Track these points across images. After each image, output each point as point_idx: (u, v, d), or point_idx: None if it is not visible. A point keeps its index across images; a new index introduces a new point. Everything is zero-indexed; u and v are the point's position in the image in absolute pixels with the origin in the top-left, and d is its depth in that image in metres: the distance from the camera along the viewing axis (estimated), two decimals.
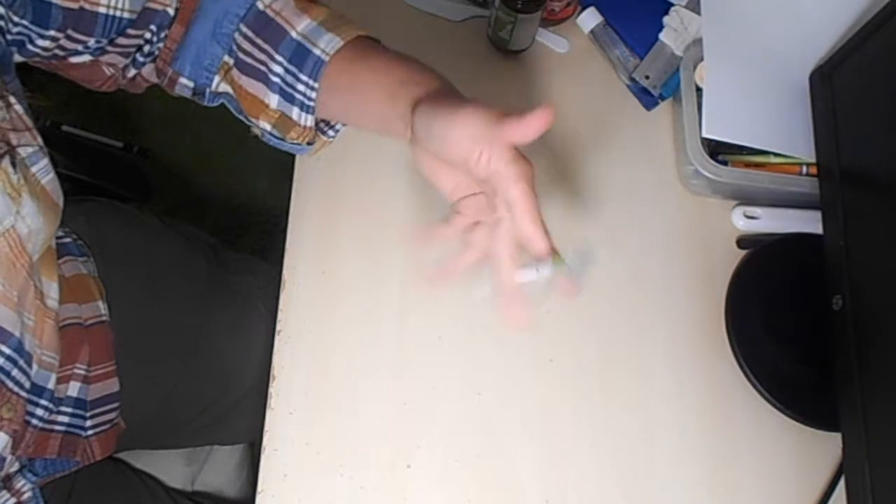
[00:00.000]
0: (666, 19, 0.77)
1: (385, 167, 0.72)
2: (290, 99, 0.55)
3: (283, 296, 0.66)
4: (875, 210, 0.61)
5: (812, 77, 0.73)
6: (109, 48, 0.56)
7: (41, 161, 0.51)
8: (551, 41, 0.80)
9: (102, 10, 0.52)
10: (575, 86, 0.78)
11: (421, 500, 0.61)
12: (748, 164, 0.73)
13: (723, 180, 0.70)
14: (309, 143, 0.59)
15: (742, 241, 0.73)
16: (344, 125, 0.60)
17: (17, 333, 0.50)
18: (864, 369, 0.58)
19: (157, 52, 0.58)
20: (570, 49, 0.80)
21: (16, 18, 0.49)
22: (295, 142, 0.58)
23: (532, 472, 0.63)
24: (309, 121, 0.56)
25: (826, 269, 0.64)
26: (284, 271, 0.67)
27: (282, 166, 0.73)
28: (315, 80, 0.54)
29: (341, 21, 0.56)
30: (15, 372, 0.51)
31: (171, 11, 0.56)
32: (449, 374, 0.65)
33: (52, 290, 0.57)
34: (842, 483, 0.64)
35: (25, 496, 0.60)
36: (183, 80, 0.58)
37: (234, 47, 0.56)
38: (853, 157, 0.64)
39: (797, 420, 0.66)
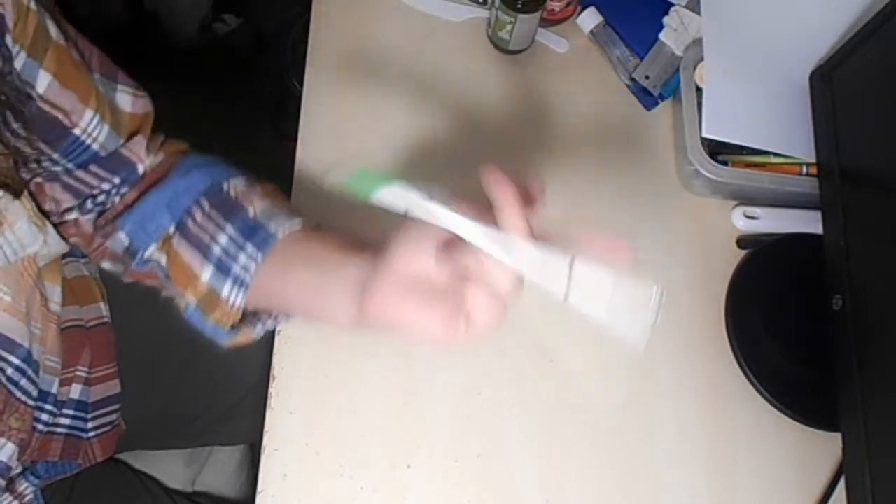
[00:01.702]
0: (666, 19, 0.77)
1: (384, 169, 0.72)
2: (225, 272, 0.53)
3: None
4: (875, 210, 0.61)
5: (812, 77, 0.73)
6: (64, 177, 0.53)
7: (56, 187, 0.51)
8: (551, 41, 0.80)
9: (77, 131, 0.50)
10: (575, 86, 0.78)
11: (421, 500, 0.61)
12: (748, 164, 0.73)
13: (723, 180, 0.70)
14: (232, 328, 0.56)
15: (742, 241, 0.73)
16: (272, 322, 0.58)
17: (25, 344, 0.50)
18: (864, 369, 0.58)
19: (108, 206, 0.56)
20: (570, 49, 0.80)
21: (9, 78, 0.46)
22: (217, 324, 0.56)
23: (532, 472, 0.63)
24: (238, 299, 0.54)
25: (826, 269, 0.64)
26: None
27: (281, 168, 0.73)
28: (261, 253, 0.53)
29: (296, 212, 0.56)
30: (24, 382, 0.51)
31: (140, 169, 0.55)
32: (449, 374, 0.65)
33: (55, 294, 0.57)
34: (842, 483, 0.64)
35: (27, 498, 0.60)
36: (120, 235, 0.56)
37: (186, 216, 0.55)
38: (853, 157, 0.64)
39: (797, 420, 0.66)
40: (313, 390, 0.63)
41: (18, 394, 0.51)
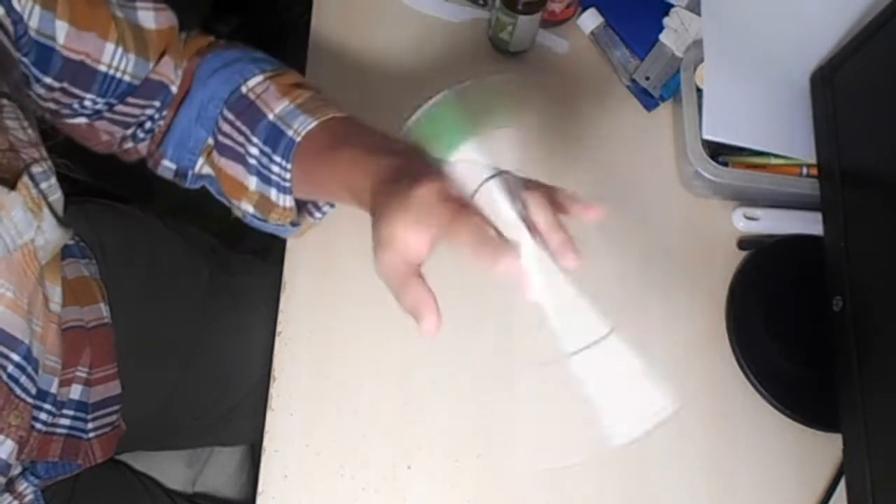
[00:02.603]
0: (666, 20, 0.77)
1: None
2: (266, 181, 0.55)
3: (283, 297, 0.66)
4: (875, 211, 0.61)
5: (813, 78, 0.73)
6: (108, 114, 0.56)
7: (49, 180, 0.51)
8: (552, 42, 0.80)
9: (103, 67, 0.52)
10: (575, 87, 0.78)
11: (421, 501, 0.61)
12: (748, 166, 0.73)
13: (723, 181, 0.70)
14: (293, 224, 0.59)
15: (743, 243, 0.73)
16: (331, 206, 0.60)
17: (26, 341, 0.50)
18: (864, 369, 0.58)
19: (156, 131, 0.58)
20: (571, 50, 0.80)
21: (17, 54, 0.48)
22: (278, 223, 0.58)
23: (532, 472, 0.63)
24: (288, 201, 0.55)
25: (826, 270, 0.65)
26: (285, 272, 0.67)
27: None
28: (287, 161, 0.53)
29: (320, 103, 0.55)
30: (23, 379, 0.51)
31: (173, 89, 0.56)
32: (449, 374, 0.65)
33: (55, 295, 0.57)
34: (842, 483, 0.64)
35: (27, 499, 0.60)
36: (165, 162, 0.58)
37: (216, 130, 0.56)
38: (854, 159, 0.65)
39: (797, 420, 0.66)
40: (314, 391, 0.63)
41: (18, 391, 0.51)
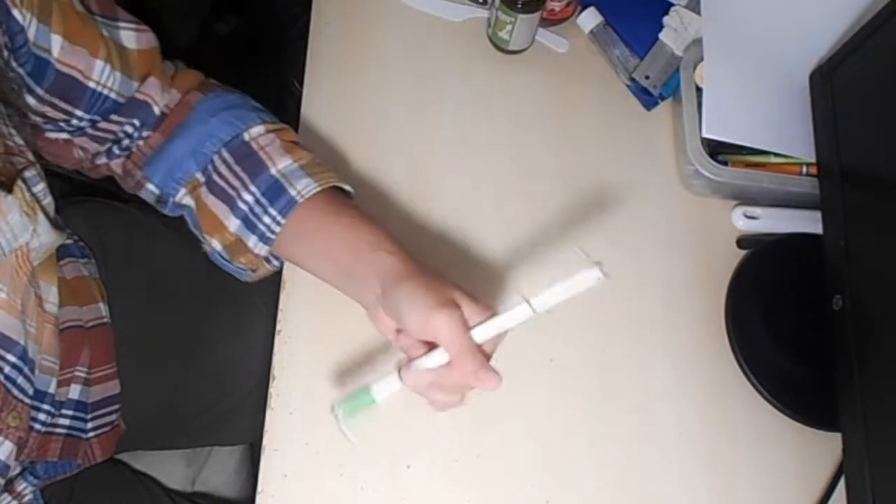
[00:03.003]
0: (666, 19, 0.77)
1: (384, 170, 0.72)
2: (251, 228, 0.58)
3: (283, 296, 0.66)
4: (875, 210, 0.61)
5: (812, 77, 0.73)
6: (90, 130, 0.57)
7: (40, 184, 0.51)
8: (551, 41, 0.80)
9: (92, 84, 0.53)
10: (575, 86, 0.78)
11: (421, 500, 0.61)
12: (748, 164, 0.73)
13: (723, 180, 0.70)
14: (253, 270, 0.62)
15: (742, 241, 0.73)
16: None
17: (21, 341, 0.50)
18: (864, 369, 0.58)
19: (133, 150, 0.60)
20: (570, 49, 0.80)
21: (14, 64, 0.49)
22: (241, 266, 0.61)
23: (532, 472, 0.63)
24: (263, 251, 0.59)
25: (826, 269, 0.64)
26: (284, 271, 0.67)
27: None
28: (283, 217, 0.56)
29: (321, 168, 0.58)
30: (20, 380, 0.51)
31: (156, 110, 0.58)
32: None
33: (50, 295, 0.57)
34: (842, 483, 0.64)
35: (27, 499, 0.60)
36: (150, 186, 0.60)
37: (210, 168, 0.58)
38: (853, 157, 0.64)
39: (797, 420, 0.66)
40: (313, 390, 0.63)
41: (15, 391, 0.51)
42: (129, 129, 0.58)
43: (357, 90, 0.75)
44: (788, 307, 0.69)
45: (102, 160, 0.60)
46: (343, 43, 0.77)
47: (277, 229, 0.57)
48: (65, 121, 0.55)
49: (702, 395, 0.67)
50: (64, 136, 0.57)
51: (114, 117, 0.57)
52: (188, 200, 0.60)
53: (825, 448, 0.66)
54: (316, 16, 0.78)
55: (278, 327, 0.65)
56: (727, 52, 0.73)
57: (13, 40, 0.47)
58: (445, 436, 0.63)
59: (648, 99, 0.77)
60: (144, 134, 0.59)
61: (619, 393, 0.66)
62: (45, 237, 0.51)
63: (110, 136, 0.58)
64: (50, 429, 0.62)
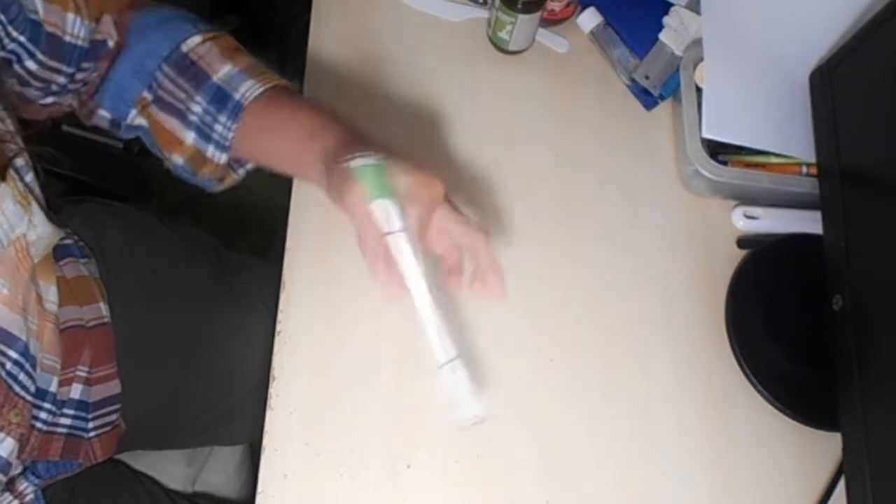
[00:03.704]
0: (666, 19, 0.77)
1: None
2: (206, 138, 0.58)
3: (283, 296, 0.66)
4: (875, 210, 0.61)
5: (812, 77, 0.73)
6: (70, 85, 0.58)
7: (29, 174, 0.51)
8: (551, 41, 0.80)
9: (69, 38, 0.54)
10: (575, 86, 0.78)
11: (421, 501, 0.61)
12: (748, 165, 0.73)
13: (723, 180, 0.70)
14: (220, 180, 0.63)
15: (742, 242, 0.73)
16: (252, 165, 0.64)
17: (23, 337, 0.50)
18: (864, 369, 0.58)
19: (88, 83, 0.60)
20: (570, 49, 0.80)
21: (14, 34, 0.50)
22: (206, 178, 0.62)
23: (532, 472, 0.63)
24: (223, 159, 0.60)
25: (826, 269, 0.64)
26: (284, 271, 0.67)
27: None
28: (234, 122, 0.57)
29: (262, 70, 0.59)
30: (22, 376, 0.51)
31: (110, 43, 0.58)
32: None
33: (50, 294, 0.57)
34: (842, 483, 0.64)
35: (28, 498, 0.60)
36: (101, 112, 0.61)
37: (155, 85, 0.58)
38: (853, 157, 0.64)
39: (797, 420, 0.66)
40: (313, 390, 0.63)
41: (17, 388, 0.51)
42: (91, 67, 0.59)
43: (357, 90, 0.75)
44: (788, 307, 0.69)
45: (53, 99, 0.60)
46: (343, 43, 0.77)
47: (230, 135, 0.58)
48: (56, 84, 0.56)
49: (702, 395, 0.67)
50: (51, 98, 0.58)
51: (84, 64, 0.57)
52: (140, 120, 0.60)
53: (825, 448, 0.66)
54: (316, 16, 0.78)
55: (278, 327, 0.65)
56: (727, 52, 0.73)
57: (6, 12, 0.48)
58: (445, 436, 0.63)
59: (648, 99, 0.77)
60: (100, 65, 0.59)
61: (619, 393, 0.66)
62: (41, 229, 0.51)
63: (80, 84, 0.59)
64: (51, 428, 0.62)
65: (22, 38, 0.51)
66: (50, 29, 0.52)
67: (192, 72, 0.58)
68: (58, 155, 0.57)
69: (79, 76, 0.58)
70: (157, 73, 0.58)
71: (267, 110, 0.58)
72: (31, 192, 0.51)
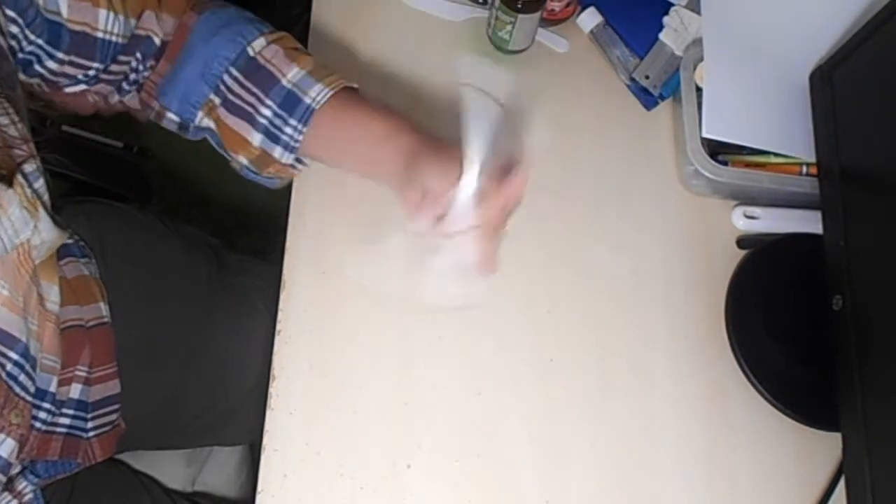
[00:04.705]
0: (666, 19, 0.77)
1: None
2: (274, 139, 0.60)
3: (283, 296, 0.66)
4: (875, 210, 0.61)
5: (812, 77, 0.73)
6: (103, 76, 0.59)
7: (40, 180, 0.51)
8: (551, 41, 0.80)
9: (100, 34, 0.55)
10: (575, 86, 0.78)
11: (421, 501, 0.61)
12: (748, 164, 0.73)
13: (723, 180, 0.70)
14: (280, 178, 0.65)
15: (742, 241, 0.73)
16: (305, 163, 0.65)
17: (23, 339, 0.50)
18: (864, 369, 0.58)
19: (141, 82, 0.61)
20: (570, 49, 0.80)
21: (32, 37, 0.51)
22: (269, 175, 0.64)
23: (532, 472, 0.63)
24: (290, 159, 0.61)
25: (826, 269, 0.64)
26: (284, 271, 0.67)
27: None
28: (304, 126, 0.59)
29: (327, 71, 0.60)
30: (22, 377, 0.51)
31: (156, 40, 0.59)
32: (449, 374, 0.65)
33: (52, 294, 0.57)
34: (842, 483, 0.64)
35: (27, 498, 0.60)
36: (170, 115, 0.62)
37: (223, 88, 0.59)
38: (853, 157, 0.64)
39: (797, 420, 0.66)
40: (313, 390, 0.63)
41: (17, 389, 0.51)
42: (134, 63, 0.59)
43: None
44: (788, 307, 0.69)
45: (115, 98, 0.62)
46: (343, 43, 0.77)
47: (300, 138, 0.59)
48: (83, 74, 0.57)
49: (702, 395, 0.67)
50: (81, 87, 0.59)
51: (121, 58, 0.58)
52: (208, 122, 0.61)
53: (825, 448, 0.66)
54: (316, 16, 0.78)
55: (278, 327, 0.65)
56: (727, 52, 0.73)
57: (23, 16, 0.49)
58: (445, 436, 0.63)
59: (648, 99, 0.77)
60: (149, 64, 0.60)
61: (619, 393, 0.66)
62: (46, 234, 0.51)
63: (120, 76, 0.60)
64: (50, 428, 0.62)
65: (40, 41, 0.52)
66: (76, 27, 0.53)
67: (260, 75, 0.59)
68: (64, 161, 0.57)
69: (115, 68, 0.58)
70: (223, 77, 0.59)
71: (337, 113, 0.59)
72: (40, 198, 0.51)
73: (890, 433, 0.55)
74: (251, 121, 0.60)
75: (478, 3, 0.80)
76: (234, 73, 0.59)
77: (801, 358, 0.67)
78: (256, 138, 0.60)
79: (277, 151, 0.60)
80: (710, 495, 0.64)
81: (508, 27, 0.74)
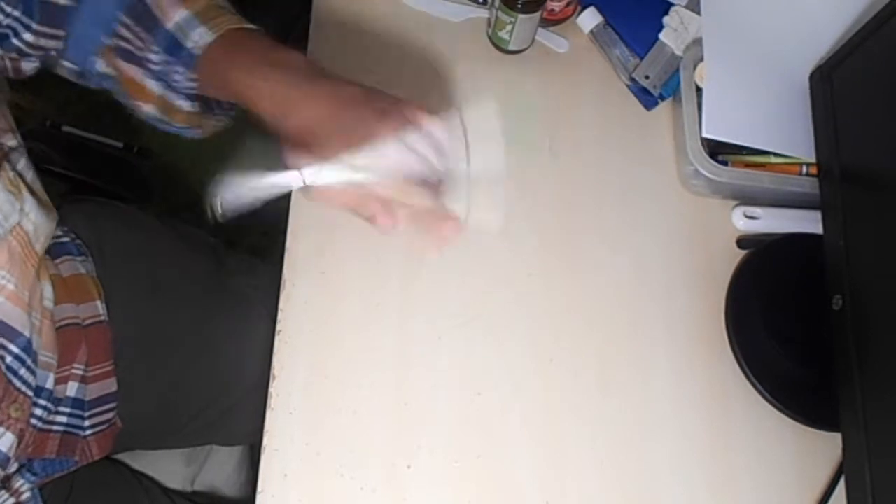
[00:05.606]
0: (666, 19, 0.77)
1: None
2: (169, 87, 0.56)
3: (283, 296, 0.66)
4: (875, 210, 0.61)
5: (812, 77, 0.73)
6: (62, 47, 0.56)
7: (21, 160, 0.51)
8: (551, 41, 0.80)
9: (62, 1, 0.53)
10: (575, 86, 0.78)
11: (421, 501, 0.61)
12: (748, 164, 0.73)
13: (723, 180, 0.70)
14: (197, 126, 0.61)
15: (742, 241, 0.73)
16: (231, 108, 0.61)
17: (26, 333, 0.50)
18: (864, 369, 0.58)
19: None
20: (570, 49, 0.80)
21: (8, 9, 0.50)
22: (182, 126, 0.60)
23: (532, 472, 0.63)
24: (190, 105, 0.57)
25: (826, 269, 0.64)
26: (284, 271, 0.67)
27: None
28: (191, 71, 0.55)
29: (217, 12, 0.56)
30: (23, 371, 0.51)
31: None
32: (449, 375, 0.65)
33: (46, 291, 0.57)
34: (842, 483, 0.64)
35: (24, 496, 0.60)
36: (67, 64, 0.58)
37: (115, 33, 0.56)
38: (853, 157, 0.64)
39: (797, 420, 0.66)
40: (313, 390, 0.63)
41: (17, 382, 0.51)
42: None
43: None
44: (788, 307, 0.69)
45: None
46: (343, 43, 0.77)
47: (191, 84, 0.56)
48: (52, 48, 0.55)
49: (702, 395, 0.67)
50: (40, 64, 0.57)
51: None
52: (107, 70, 0.58)
53: (825, 448, 0.66)
54: (316, 16, 0.78)
55: (278, 327, 0.65)
56: (727, 52, 0.73)
57: None
58: (445, 436, 0.63)
59: (648, 99, 0.77)
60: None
61: (619, 393, 0.66)
62: (35, 216, 0.51)
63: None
64: (48, 426, 0.62)
65: (16, 13, 0.50)
66: None
67: (146, 18, 0.55)
68: (49, 151, 0.56)
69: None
70: (113, 21, 0.56)
71: (220, 59, 0.54)
72: (23, 179, 0.51)
73: (890, 433, 0.55)
74: (143, 66, 0.56)
75: (478, 3, 0.80)
76: (124, 17, 0.55)
77: (801, 358, 0.67)
78: (153, 84, 0.56)
79: (174, 96, 0.57)
80: (710, 495, 0.64)
81: (508, 27, 0.74)
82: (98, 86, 0.60)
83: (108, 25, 0.56)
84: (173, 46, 0.55)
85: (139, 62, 0.56)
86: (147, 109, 0.59)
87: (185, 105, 0.57)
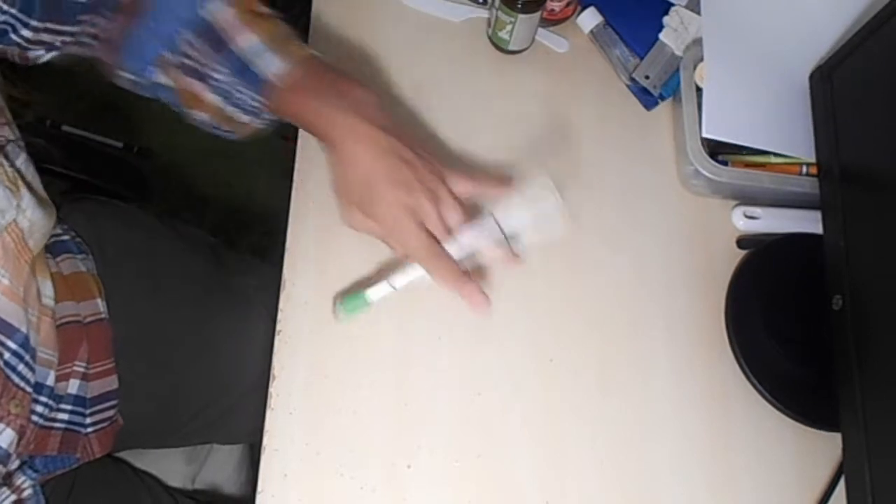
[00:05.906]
0: (666, 19, 0.77)
1: None
2: (233, 104, 0.59)
3: (283, 296, 0.66)
4: (875, 210, 0.61)
5: (812, 77, 0.73)
6: (72, 38, 0.57)
7: (21, 155, 0.51)
8: (551, 41, 0.80)
9: None
10: (575, 86, 0.78)
11: (421, 501, 0.61)
12: (748, 164, 0.73)
13: (723, 180, 0.70)
14: (241, 132, 0.63)
15: (742, 241, 0.73)
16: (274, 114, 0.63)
17: (23, 329, 0.51)
18: (864, 369, 0.58)
19: (101, 37, 0.59)
20: (570, 49, 0.80)
21: (5, 7, 0.50)
22: (230, 131, 0.63)
23: (532, 472, 0.63)
24: (253, 121, 0.60)
25: (826, 269, 0.64)
26: (284, 271, 0.67)
27: (282, 166, 0.73)
28: (259, 95, 0.58)
29: (284, 38, 0.59)
30: (21, 367, 0.51)
31: None
32: (449, 374, 0.65)
33: (46, 288, 0.57)
34: (842, 483, 0.64)
35: (26, 493, 0.60)
36: (124, 74, 0.60)
37: (175, 47, 0.57)
38: (853, 157, 0.65)
39: (797, 420, 0.66)
40: (313, 390, 0.63)
41: (16, 378, 0.51)
42: (101, 22, 0.58)
43: None
44: (788, 307, 0.69)
45: (57, 54, 0.60)
46: (343, 43, 0.77)
47: (257, 105, 0.58)
48: (60, 41, 0.56)
49: (702, 395, 0.67)
50: (53, 54, 0.58)
51: (82, 17, 0.57)
52: (165, 80, 0.59)
53: (825, 448, 0.66)
54: (316, 16, 0.78)
55: (278, 327, 0.65)
56: (727, 52, 0.74)
57: None
58: (445, 436, 0.63)
59: (648, 99, 0.77)
60: (110, 18, 0.58)
61: (618, 393, 0.66)
62: (32, 213, 0.51)
63: (87, 36, 0.58)
64: (49, 423, 0.62)
65: (13, 10, 0.51)
66: None
67: (213, 41, 0.57)
68: (49, 148, 0.56)
69: (80, 29, 0.57)
70: (175, 37, 0.57)
71: (296, 83, 0.58)
72: (22, 176, 0.51)
73: (890, 433, 0.55)
74: (206, 82, 0.58)
75: (478, 3, 0.80)
76: (187, 35, 0.57)
77: (801, 358, 0.67)
78: (214, 98, 0.59)
79: (241, 115, 0.60)
80: (710, 495, 0.64)
81: (508, 27, 0.74)
82: (153, 95, 0.62)
83: (171, 42, 0.57)
84: (241, 69, 0.57)
85: (202, 77, 0.58)
86: (201, 117, 0.61)
87: (246, 119, 0.60)
